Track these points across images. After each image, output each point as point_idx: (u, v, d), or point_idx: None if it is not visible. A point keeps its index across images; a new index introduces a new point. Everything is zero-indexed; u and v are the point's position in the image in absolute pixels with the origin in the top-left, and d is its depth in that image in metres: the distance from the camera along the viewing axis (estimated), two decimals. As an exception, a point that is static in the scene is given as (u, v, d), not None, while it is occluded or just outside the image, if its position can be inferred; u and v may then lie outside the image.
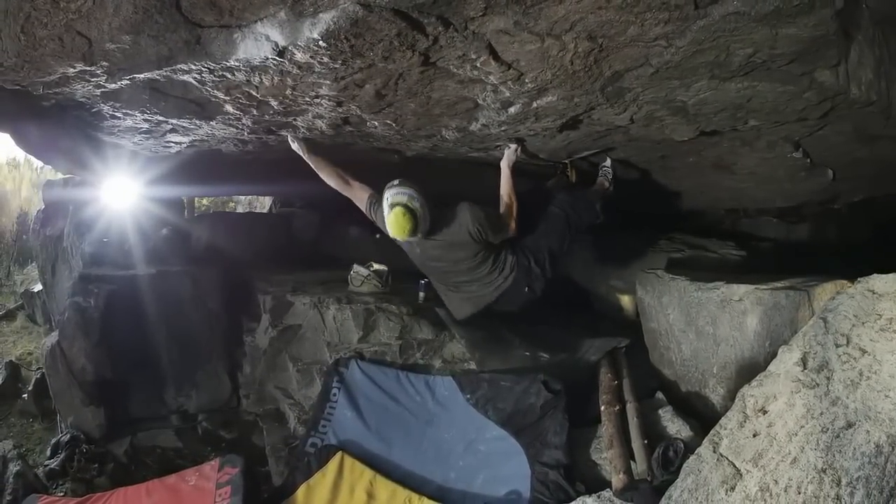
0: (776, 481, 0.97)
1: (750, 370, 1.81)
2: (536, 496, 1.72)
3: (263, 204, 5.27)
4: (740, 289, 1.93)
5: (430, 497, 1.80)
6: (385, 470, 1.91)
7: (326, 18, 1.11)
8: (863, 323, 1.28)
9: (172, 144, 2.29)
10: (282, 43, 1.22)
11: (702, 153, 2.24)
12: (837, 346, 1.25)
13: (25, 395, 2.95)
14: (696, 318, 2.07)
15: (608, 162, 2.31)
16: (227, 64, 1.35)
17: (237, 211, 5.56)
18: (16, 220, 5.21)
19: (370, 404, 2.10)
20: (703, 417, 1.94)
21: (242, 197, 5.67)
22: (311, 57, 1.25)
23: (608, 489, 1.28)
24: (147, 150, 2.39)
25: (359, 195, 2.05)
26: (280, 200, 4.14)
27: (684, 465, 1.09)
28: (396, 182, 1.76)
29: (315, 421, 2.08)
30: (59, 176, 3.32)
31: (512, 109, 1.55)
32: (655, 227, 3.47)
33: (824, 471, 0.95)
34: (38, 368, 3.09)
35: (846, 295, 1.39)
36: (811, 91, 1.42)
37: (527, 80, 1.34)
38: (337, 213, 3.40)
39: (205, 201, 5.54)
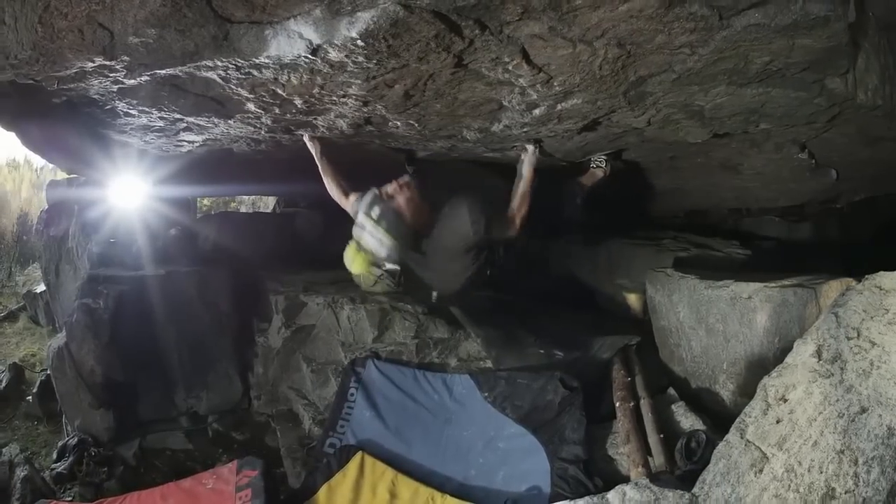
0: (800, 462, 1.06)
1: (759, 366, 1.91)
2: (557, 491, 1.79)
3: (267, 204, 5.29)
4: (749, 286, 2.02)
5: (453, 495, 1.87)
6: (405, 469, 1.97)
7: (366, 18, 1.14)
8: (871, 317, 1.39)
9: (185, 143, 2.30)
10: (316, 41, 1.23)
11: (710, 154, 2.34)
12: (849, 338, 1.35)
13: (30, 398, 2.94)
14: (707, 316, 2.17)
15: (602, 155, 2.32)
16: (256, 61, 1.35)
17: (241, 210, 5.57)
18: (16, 220, 5.16)
19: (388, 404, 2.16)
20: (713, 413, 2.03)
21: (246, 196, 5.67)
22: (345, 56, 1.27)
23: (643, 478, 1.35)
24: (158, 150, 2.40)
25: (352, 209, 1.96)
26: (284, 200, 4.16)
27: (715, 451, 1.18)
28: (378, 208, 1.62)
29: (333, 421, 2.13)
30: (62, 175, 3.30)
31: (536, 111, 1.62)
32: (660, 226, 3.59)
33: (842, 452, 1.05)
34: (43, 370, 3.07)
35: (855, 291, 1.50)
36: (821, 97, 1.53)
37: (555, 84, 1.42)
38: (342, 213, 3.44)
39: (205, 201, 5.54)
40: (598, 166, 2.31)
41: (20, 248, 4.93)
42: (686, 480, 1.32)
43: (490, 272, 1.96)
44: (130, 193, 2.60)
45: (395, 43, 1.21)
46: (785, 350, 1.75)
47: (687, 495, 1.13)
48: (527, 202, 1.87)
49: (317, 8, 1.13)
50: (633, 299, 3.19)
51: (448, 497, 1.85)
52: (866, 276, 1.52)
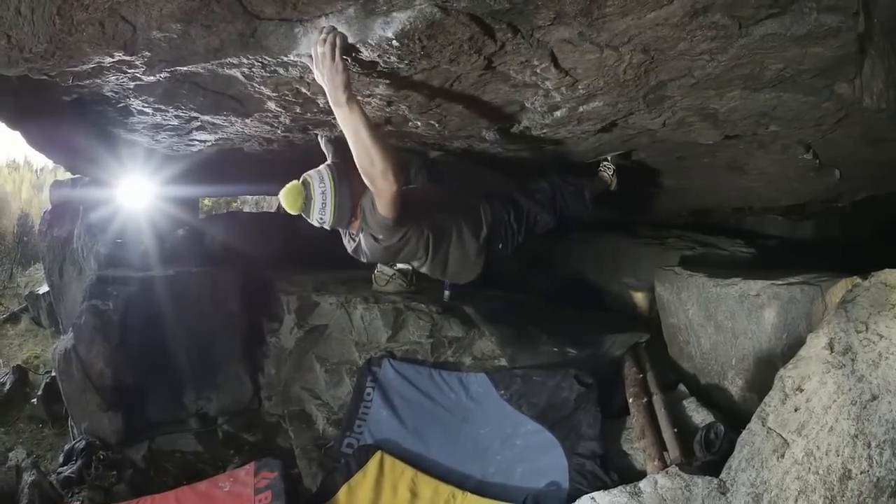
0: (818, 447, 1.16)
1: (768, 361, 2.02)
2: (575, 486, 1.87)
3: (271, 204, 5.33)
4: (757, 284, 2.13)
5: (473, 492, 1.93)
6: (424, 467, 2.02)
7: (402, 18, 1.16)
8: (879, 312, 1.50)
9: (196, 143, 2.33)
10: (349, 40, 1.24)
11: (717, 154, 2.45)
12: (858, 331, 1.46)
13: (34, 400, 2.94)
14: (715, 313, 2.27)
15: (608, 157, 2.40)
16: (284, 59, 1.35)
17: (245, 210, 5.59)
18: (17, 221, 5.14)
19: (405, 403, 2.22)
20: (722, 408, 2.13)
21: (249, 196, 5.68)
22: (378, 56, 1.30)
23: (673, 465, 1.44)
24: (167, 149, 2.42)
25: None
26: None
27: (739, 439, 1.28)
28: (329, 163, 1.64)
29: (350, 421, 2.19)
30: (67, 176, 3.29)
31: (558, 113, 1.71)
32: (664, 225, 3.71)
33: (857, 436, 1.15)
34: (47, 372, 3.07)
35: (862, 287, 1.61)
36: (830, 101, 1.64)
37: (580, 87, 1.50)
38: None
39: (206, 201, 5.55)
40: (605, 170, 2.40)
41: (21, 248, 4.92)
42: (705, 471, 1.41)
43: (503, 246, 1.85)
44: (137, 193, 2.62)
45: (429, 44, 1.25)
46: (792, 346, 1.87)
47: (716, 480, 1.22)
48: (370, 154, 1.35)
49: (350, 7, 1.14)
50: (639, 297, 3.31)
51: (469, 494, 1.91)
52: (872, 273, 1.63)
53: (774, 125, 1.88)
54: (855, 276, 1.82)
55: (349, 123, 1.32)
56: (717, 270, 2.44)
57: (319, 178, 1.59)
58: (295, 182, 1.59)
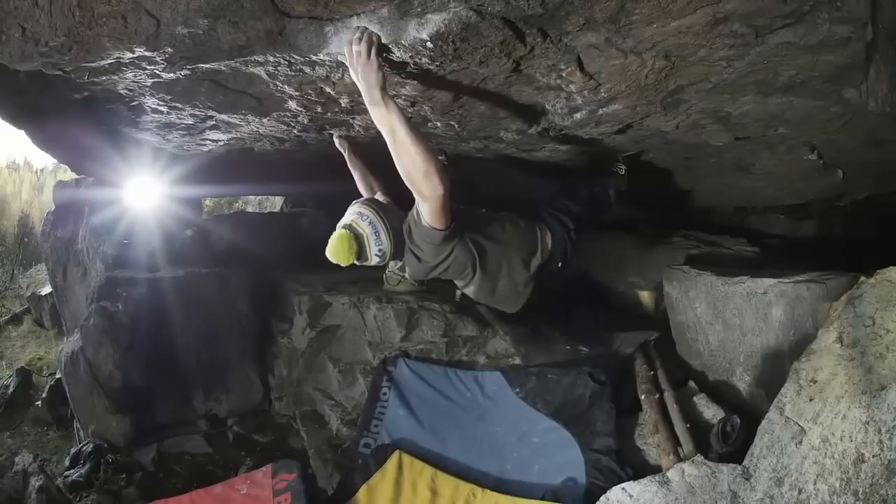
0: (833, 433, 1.26)
1: (775, 358, 2.13)
2: (592, 481, 1.96)
3: (274, 204, 5.34)
4: (765, 282, 2.24)
5: (492, 489, 2.00)
6: (442, 466, 2.08)
7: (437, 20, 1.19)
8: (884, 307, 1.61)
9: (207, 142, 2.36)
10: (382, 40, 1.26)
11: (724, 155, 2.56)
12: (866, 326, 1.57)
13: (39, 403, 2.94)
14: (724, 311, 2.38)
15: (620, 158, 2.47)
16: (312, 58, 1.36)
17: (248, 210, 5.60)
18: (17, 222, 5.10)
19: (422, 402, 2.29)
20: (730, 404, 2.24)
21: (252, 197, 5.67)
22: (409, 57, 1.33)
23: (699, 455, 1.53)
24: (177, 149, 2.45)
25: None
26: (292, 201, 4.25)
27: (759, 428, 1.38)
28: (358, 201, 1.60)
29: (366, 421, 2.24)
30: (69, 176, 3.29)
31: (578, 115, 1.79)
32: (671, 224, 3.83)
33: (868, 423, 1.25)
34: (51, 374, 3.06)
35: (868, 284, 1.73)
36: (838, 105, 1.75)
37: (602, 91, 1.59)
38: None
39: (207, 202, 5.54)
40: (617, 171, 2.50)
41: (22, 249, 4.89)
42: (723, 461, 1.50)
43: (562, 264, 1.85)
44: (143, 193, 2.64)
45: (461, 46, 1.30)
46: (799, 342, 1.99)
47: (739, 467, 1.32)
48: (411, 154, 1.30)
49: (384, 7, 1.17)
50: (645, 296, 3.42)
51: (488, 491, 1.98)
52: (877, 271, 1.75)
53: (783, 128, 1.99)
54: (860, 274, 1.94)
55: (386, 123, 1.29)
56: (724, 269, 2.55)
57: (359, 215, 1.52)
58: (338, 231, 1.49)
